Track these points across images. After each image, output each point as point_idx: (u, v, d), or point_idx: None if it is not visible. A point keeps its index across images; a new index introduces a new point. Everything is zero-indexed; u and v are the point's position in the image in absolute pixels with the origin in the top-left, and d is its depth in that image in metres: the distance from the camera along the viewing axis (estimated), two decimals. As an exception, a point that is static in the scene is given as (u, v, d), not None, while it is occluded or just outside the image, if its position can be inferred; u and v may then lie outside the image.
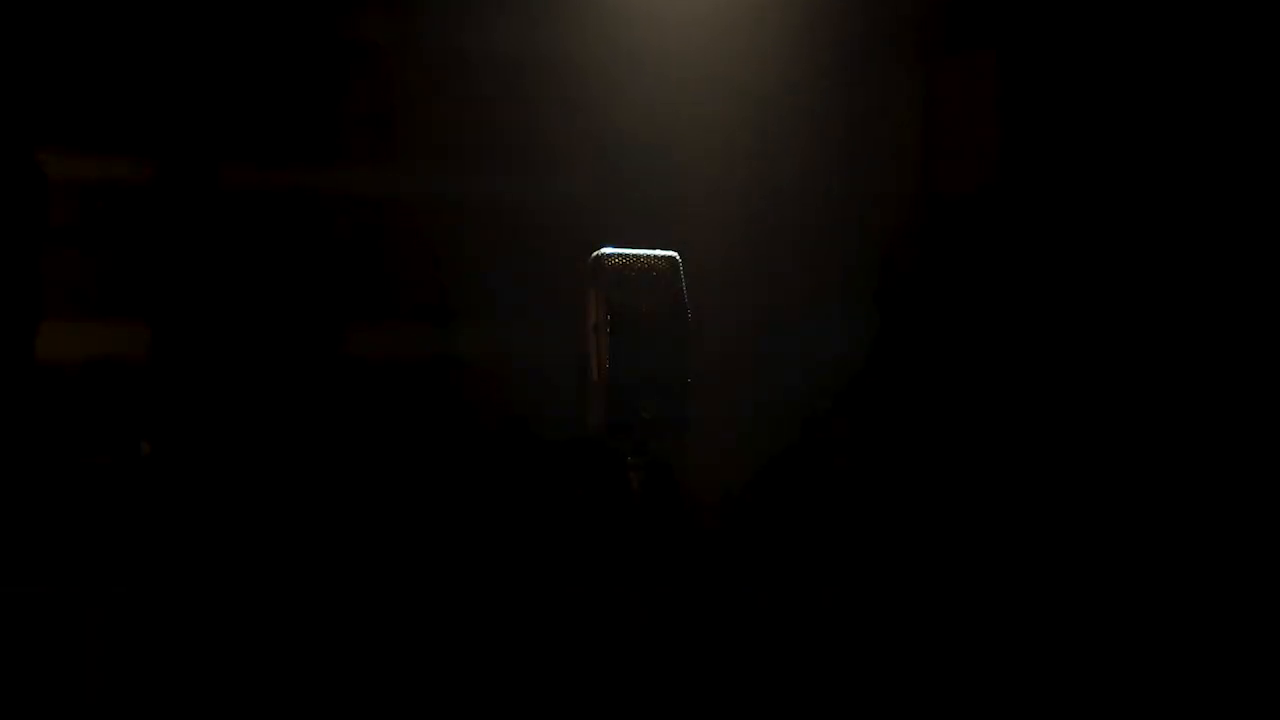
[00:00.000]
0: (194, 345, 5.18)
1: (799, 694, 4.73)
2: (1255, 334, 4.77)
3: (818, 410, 5.38)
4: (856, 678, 4.77)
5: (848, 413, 5.39)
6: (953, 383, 5.33)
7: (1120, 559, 4.85)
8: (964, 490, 5.17)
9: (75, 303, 5.15)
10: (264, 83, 5.27)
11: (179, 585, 4.69)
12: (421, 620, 4.68)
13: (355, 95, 5.37)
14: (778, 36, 5.43)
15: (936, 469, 5.27)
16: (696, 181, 5.49)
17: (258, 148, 5.28)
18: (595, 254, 2.97)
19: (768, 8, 5.44)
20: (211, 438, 5.12)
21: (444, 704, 4.63)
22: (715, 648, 4.73)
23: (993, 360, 5.25)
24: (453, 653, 4.66)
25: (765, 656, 4.76)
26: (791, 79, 5.44)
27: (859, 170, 5.50)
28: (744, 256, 5.44)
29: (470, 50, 5.41)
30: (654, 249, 3.01)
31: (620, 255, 2.98)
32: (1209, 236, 4.87)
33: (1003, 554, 4.98)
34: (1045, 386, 5.14)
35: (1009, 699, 4.70)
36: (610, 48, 5.40)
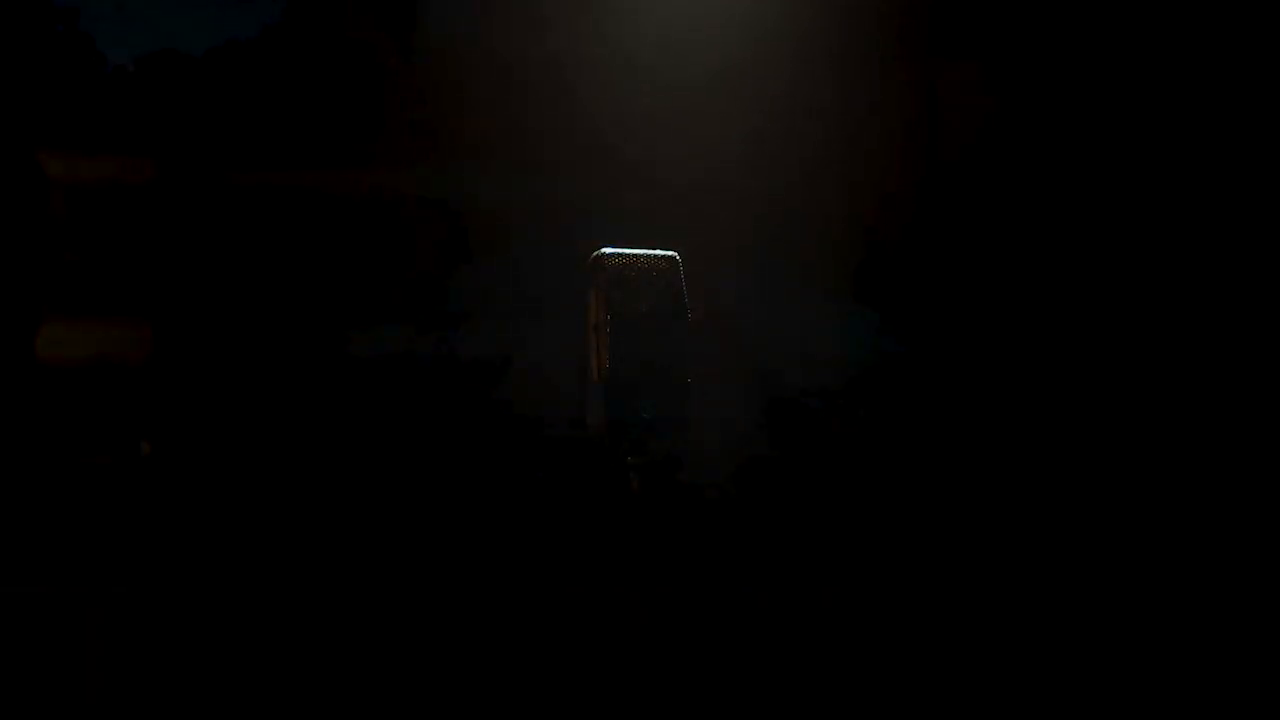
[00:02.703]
0: (194, 345, 5.18)
1: (799, 693, 4.73)
2: (1254, 330, 4.77)
3: (817, 409, 5.37)
4: (856, 677, 4.77)
5: (846, 411, 5.39)
6: (951, 381, 5.33)
7: (1122, 557, 4.84)
8: (965, 487, 5.17)
9: (75, 303, 5.15)
10: (265, 82, 5.27)
11: (179, 585, 4.69)
12: (422, 620, 4.68)
13: (356, 95, 5.37)
14: (777, 35, 5.43)
15: (937, 467, 5.26)
16: (696, 182, 5.49)
17: (259, 147, 5.28)
18: (595, 254, 2.98)
19: (767, 6, 5.44)
20: (211, 438, 5.12)
21: (444, 704, 4.63)
22: (715, 648, 4.72)
23: (991, 359, 5.25)
24: (453, 653, 4.66)
25: (765, 656, 4.75)
26: (791, 78, 5.44)
27: (858, 169, 5.50)
28: (742, 256, 5.44)
29: (469, 50, 5.42)
30: (654, 249, 3.01)
31: (620, 255, 2.98)
32: (1206, 234, 4.88)
33: (1004, 553, 4.98)
34: (1044, 384, 5.14)
35: (1010, 698, 4.70)
36: (609, 47, 5.40)
